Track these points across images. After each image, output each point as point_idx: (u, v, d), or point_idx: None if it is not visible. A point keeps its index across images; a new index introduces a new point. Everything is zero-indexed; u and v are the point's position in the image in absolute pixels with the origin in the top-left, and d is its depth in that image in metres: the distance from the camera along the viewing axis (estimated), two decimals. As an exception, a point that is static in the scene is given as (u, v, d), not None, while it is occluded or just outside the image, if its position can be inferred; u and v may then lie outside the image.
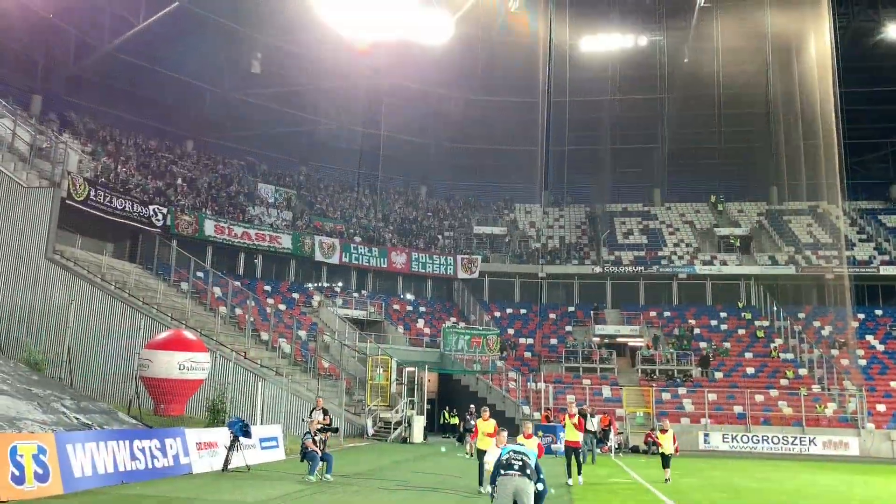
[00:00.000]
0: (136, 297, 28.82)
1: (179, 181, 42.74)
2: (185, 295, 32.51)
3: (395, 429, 30.73)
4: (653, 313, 46.12)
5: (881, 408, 35.97)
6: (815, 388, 37.58)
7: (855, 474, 22.68)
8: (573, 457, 17.53)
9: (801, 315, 45.08)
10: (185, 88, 49.40)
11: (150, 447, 15.21)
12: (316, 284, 43.82)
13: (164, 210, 37.20)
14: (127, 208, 34.71)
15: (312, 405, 18.00)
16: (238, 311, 33.87)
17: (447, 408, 36.48)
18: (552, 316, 47.14)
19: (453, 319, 44.79)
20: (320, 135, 57.24)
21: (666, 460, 18.89)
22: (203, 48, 48.05)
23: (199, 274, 34.51)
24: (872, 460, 31.51)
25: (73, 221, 31.44)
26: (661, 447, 19.73)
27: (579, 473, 17.56)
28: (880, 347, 41.89)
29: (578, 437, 17.93)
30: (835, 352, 41.14)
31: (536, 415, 34.53)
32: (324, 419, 17.39)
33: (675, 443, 19.44)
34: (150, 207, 36.38)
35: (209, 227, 39.46)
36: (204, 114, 51.56)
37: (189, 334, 24.36)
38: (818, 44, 46.58)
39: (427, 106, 55.20)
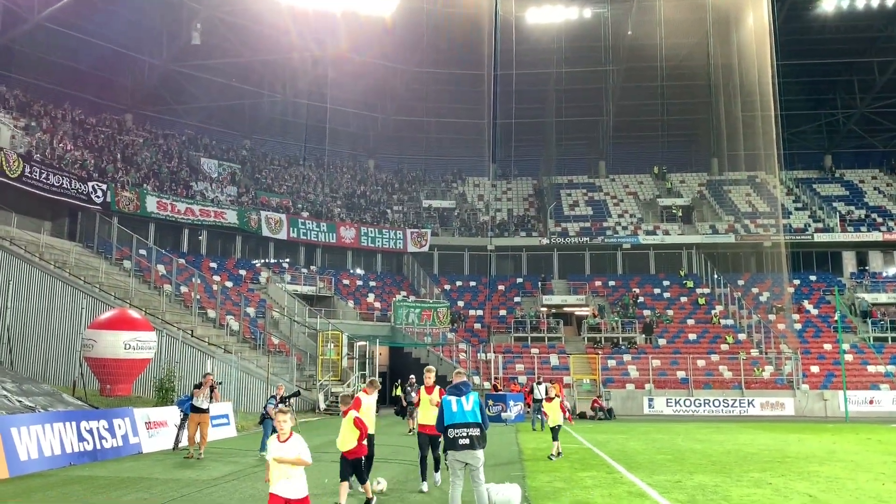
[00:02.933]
0: (78, 276, 28.12)
1: (119, 156, 41.57)
2: (128, 273, 31.85)
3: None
4: (598, 283, 47.09)
5: (815, 369, 37.58)
6: (754, 353, 39.02)
7: (790, 433, 23.71)
8: (429, 449, 11.43)
9: (741, 282, 46.62)
10: (123, 60, 47.84)
11: (97, 428, 15.01)
12: (263, 260, 43.37)
13: (104, 186, 36.18)
14: (65, 185, 33.65)
15: (272, 390, 17.54)
16: (184, 288, 33.34)
17: (398, 381, 36.73)
18: (501, 287, 47.70)
19: (403, 293, 44.92)
20: (265, 108, 56.21)
21: (554, 432, 16.49)
22: (141, 19, 46.59)
23: (143, 251, 33.84)
24: (806, 419, 32.99)
25: (8, 199, 30.42)
26: (546, 418, 17.85)
27: (436, 470, 11.74)
28: (814, 312, 43.65)
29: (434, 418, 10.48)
30: (772, 317, 42.69)
31: (486, 384, 35.06)
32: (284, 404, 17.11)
33: (564, 412, 17.55)
34: (90, 184, 35.33)
35: (151, 204, 38.56)
36: (143, 87, 50.07)
37: (134, 313, 23.95)
38: (756, 16, 47.57)
39: (373, 79, 54.62)
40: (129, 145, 44.29)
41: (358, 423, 9.50)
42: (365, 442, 9.73)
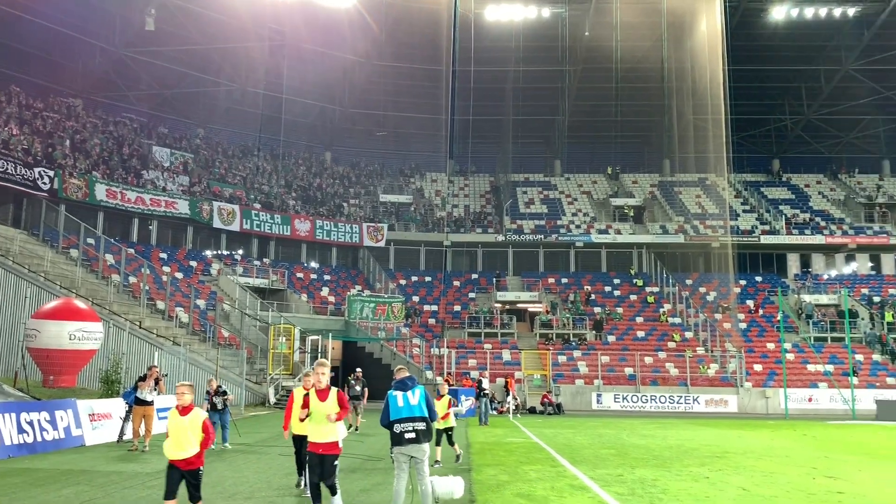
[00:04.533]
0: (22, 264, 27.39)
1: (68, 143, 40.56)
2: (75, 262, 31.12)
3: (297, 396, 30.66)
4: (551, 280, 47.69)
5: (758, 367, 38.68)
6: (700, 350, 40.00)
7: (731, 429, 24.43)
8: (320, 471, 8.54)
9: (689, 281, 47.71)
10: (73, 44, 46.60)
11: (38, 420, 14.74)
12: (215, 252, 42.84)
13: (51, 173, 35.30)
14: (9, 171, 32.75)
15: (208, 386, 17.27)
16: (132, 279, 32.75)
17: (350, 375, 36.67)
18: (456, 283, 47.94)
19: (358, 287, 44.84)
20: (219, 97, 55.35)
21: (448, 436, 14.33)
22: (93, 2, 45.41)
23: (90, 240, 33.10)
24: (748, 416, 33.97)
25: (-52, 184, 29.45)
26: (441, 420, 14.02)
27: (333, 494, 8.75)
28: (759, 312, 44.88)
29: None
30: (718, 316, 43.79)
31: (439, 379, 35.18)
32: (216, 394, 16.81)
33: (450, 406, 14.40)
34: (36, 170, 34.43)
35: (100, 192, 37.75)
36: (94, 72, 48.83)
37: (80, 303, 23.48)
38: (709, 22, 48.62)
39: (331, 70, 54.24)
40: (79, 131, 43.24)
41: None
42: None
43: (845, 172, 58.31)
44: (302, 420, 8.59)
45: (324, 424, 8.37)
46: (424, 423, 8.55)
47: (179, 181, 44.00)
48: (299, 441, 9.72)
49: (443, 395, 14.44)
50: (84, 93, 48.32)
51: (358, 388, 21.84)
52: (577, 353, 39.66)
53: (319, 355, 32.90)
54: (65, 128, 42.49)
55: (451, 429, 14.56)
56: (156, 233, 41.30)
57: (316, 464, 8.45)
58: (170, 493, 7.59)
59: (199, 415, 7.83)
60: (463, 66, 51.05)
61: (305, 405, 8.50)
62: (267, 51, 51.61)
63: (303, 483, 10.09)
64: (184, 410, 7.83)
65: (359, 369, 23.82)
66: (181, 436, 7.68)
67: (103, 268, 31.94)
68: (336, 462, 8.47)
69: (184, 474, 7.68)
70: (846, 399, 34.41)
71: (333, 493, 8.48)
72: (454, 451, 14.30)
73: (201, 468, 7.82)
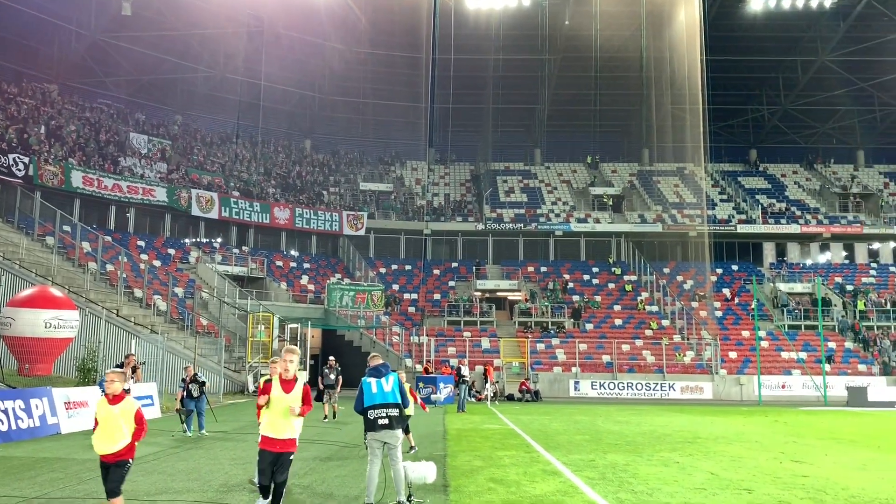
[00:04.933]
0: (-4, 252, 27.12)
1: (43, 129, 40.08)
2: (50, 250, 30.81)
3: (276, 384, 30.67)
4: (531, 268, 47.99)
5: (733, 355, 39.25)
6: (676, 338, 40.49)
7: (705, 415, 24.83)
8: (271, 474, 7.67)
9: (666, 270, 48.22)
10: (48, 29, 45.99)
11: (13, 408, 14.70)
12: (193, 240, 42.63)
13: (26, 159, 34.91)
14: (-17, 157, 32.33)
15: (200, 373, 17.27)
16: (109, 267, 32.52)
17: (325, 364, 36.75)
18: (436, 272, 48.09)
19: (338, 276, 44.84)
20: (198, 83, 54.87)
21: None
22: (67, -14, 44.81)
23: (67, 228, 32.77)
24: (723, 403, 34.49)
25: (-79, 171, 29.03)
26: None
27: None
28: (735, 300, 45.47)
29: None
30: (694, 304, 44.32)
31: (418, 367, 35.42)
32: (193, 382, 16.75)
33: (415, 398, 13.94)
34: (10, 156, 34.05)
35: (77, 179, 37.39)
36: (70, 57, 48.21)
37: (56, 291, 23.31)
38: (688, 12, 48.91)
39: (310, 57, 53.97)
40: (54, 117, 42.73)
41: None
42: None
43: (821, 162, 59.05)
44: (260, 407, 7.63)
45: (284, 418, 7.49)
46: (397, 410, 8.71)
47: (157, 168, 43.66)
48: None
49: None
50: (60, 78, 47.73)
51: (332, 376, 21.43)
52: (555, 341, 39.99)
53: (299, 344, 32.93)
54: (40, 114, 41.97)
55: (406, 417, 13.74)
56: (133, 220, 41.01)
57: (268, 464, 7.51)
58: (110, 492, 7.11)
59: (132, 404, 7.21)
60: (443, 55, 51.03)
61: (266, 391, 7.59)
62: (245, 37, 51.23)
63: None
64: (114, 399, 7.18)
65: (332, 357, 23.48)
66: (111, 427, 7.15)
67: (80, 255, 31.67)
68: (291, 459, 7.60)
69: (110, 467, 7.06)
70: (818, 386, 35.05)
71: (277, 500, 7.55)
72: (408, 442, 13.51)
73: (130, 461, 7.20)
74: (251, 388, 30.36)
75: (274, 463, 7.50)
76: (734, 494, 9.75)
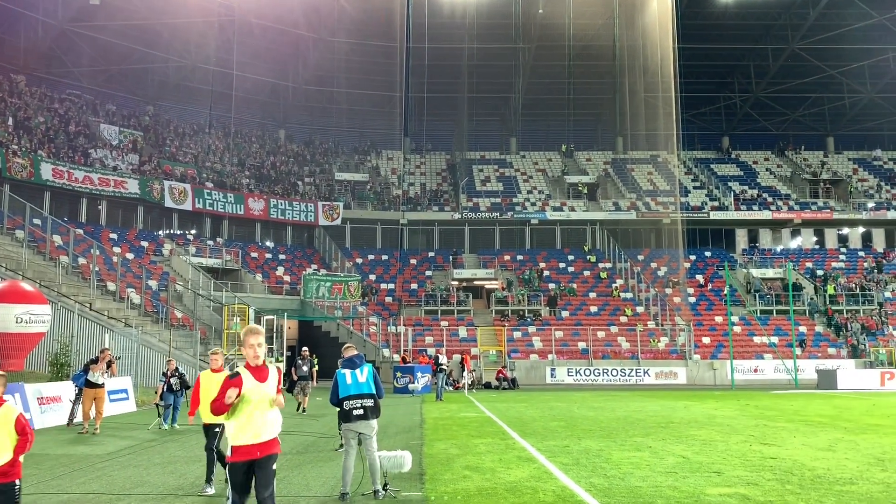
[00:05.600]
0: (-36, 246, 26.70)
1: (10, 120, 39.39)
2: (21, 244, 30.38)
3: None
4: (507, 257, 48.22)
5: (706, 340, 39.81)
6: (651, 325, 40.97)
7: (679, 400, 25.19)
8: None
9: (641, 257, 48.70)
10: (13, 18, 45.08)
11: (-15, 404, 14.52)
12: (167, 232, 42.25)
13: (-7, 152, 34.30)
14: (-52, 150, 31.71)
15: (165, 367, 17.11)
16: (82, 260, 32.13)
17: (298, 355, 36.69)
18: (413, 261, 48.14)
19: (314, 266, 44.72)
20: (169, 73, 54.24)
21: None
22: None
23: (37, 221, 32.31)
24: (697, 387, 35.01)
25: None
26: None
27: None
28: (708, 286, 46.05)
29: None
30: (668, 290, 44.84)
31: (395, 357, 35.53)
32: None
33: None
34: (-23, 149, 33.43)
35: (46, 171, 36.85)
36: (37, 47, 47.35)
37: (26, 285, 22.97)
38: (660, 1, 49.16)
39: (283, 46, 53.52)
40: (22, 108, 42.00)
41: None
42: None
43: (792, 149, 59.85)
44: (223, 409, 5.54)
45: (263, 415, 5.61)
46: (372, 400, 8.76)
47: (129, 160, 43.14)
48: (213, 433, 8.99)
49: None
50: (27, 69, 46.89)
51: (305, 368, 21.10)
52: (531, 329, 40.27)
53: (275, 336, 32.75)
54: (7, 105, 41.23)
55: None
56: (105, 213, 40.53)
57: (243, 476, 5.59)
58: None
59: (11, 411, 5.67)
60: (417, 43, 50.86)
61: (236, 385, 5.54)
62: (216, 26, 50.62)
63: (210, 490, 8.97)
64: None
65: (305, 348, 23.32)
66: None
67: (51, 249, 31.25)
68: (275, 468, 5.69)
69: None
70: (790, 370, 35.69)
71: None
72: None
73: (18, 481, 5.63)
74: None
75: (250, 473, 5.58)
76: (704, 477, 9.95)
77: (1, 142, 36.03)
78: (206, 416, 8.88)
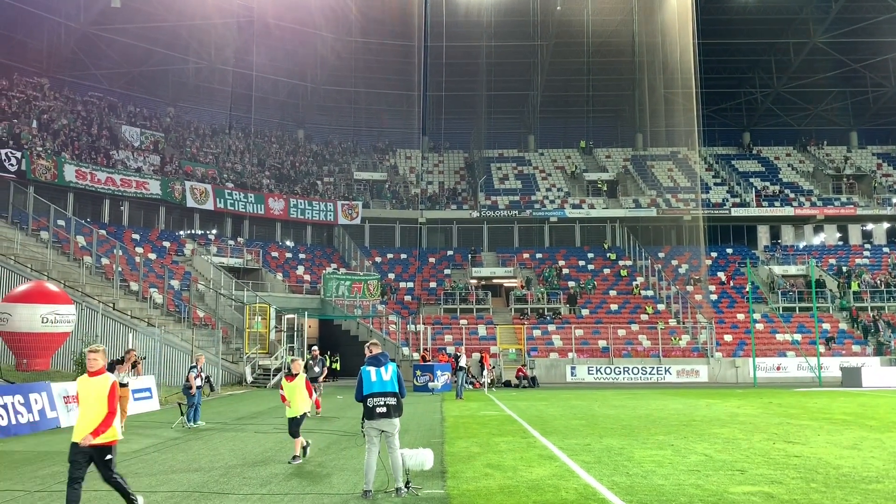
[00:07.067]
0: (-10, 248, 27.13)
1: (34, 123, 39.93)
2: (45, 245, 30.84)
3: (274, 375, 30.88)
4: (526, 255, 48.10)
5: (728, 338, 39.48)
6: (672, 322, 40.69)
7: (701, 398, 25.01)
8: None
9: (661, 254, 48.38)
10: (37, 22, 45.69)
11: (12, 403, 14.78)
12: (188, 232, 42.61)
13: (18, 154, 34.83)
14: (-25, 153, 32.22)
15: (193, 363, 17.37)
16: (105, 260, 32.53)
17: (328, 353, 36.90)
18: (431, 260, 48.16)
19: (334, 265, 44.90)
20: (189, 75, 54.68)
21: (291, 425, 11.45)
22: (55, -22, 44.48)
23: (61, 222, 32.78)
24: (719, 385, 34.73)
25: (-87, 167, 28.92)
26: (287, 406, 11.58)
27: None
28: (730, 283, 45.66)
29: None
30: (689, 288, 44.50)
31: (415, 355, 35.58)
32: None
33: (311, 393, 12.24)
34: (2, 151, 33.98)
35: (70, 173, 37.32)
36: (60, 50, 47.97)
37: (52, 286, 23.33)
38: (680, -4, 48.82)
39: (301, 46, 53.74)
40: (46, 111, 42.56)
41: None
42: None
43: (814, 144, 59.15)
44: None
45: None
46: (395, 399, 8.79)
47: (150, 161, 43.58)
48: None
49: (296, 375, 11.77)
50: (50, 72, 47.52)
51: (316, 368, 20.87)
52: (551, 327, 40.16)
53: (296, 335, 33.00)
54: (31, 108, 41.82)
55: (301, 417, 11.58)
56: (127, 213, 40.98)
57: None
58: None
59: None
60: (435, 42, 50.84)
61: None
62: (235, 27, 50.97)
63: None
64: None
65: (315, 347, 23.07)
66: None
67: (75, 250, 31.69)
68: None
69: None
70: (813, 367, 35.31)
71: None
72: (295, 450, 11.37)
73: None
74: (249, 378, 30.50)
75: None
76: (727, 475, 9.88)
77: (25, 144, 36.53)
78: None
